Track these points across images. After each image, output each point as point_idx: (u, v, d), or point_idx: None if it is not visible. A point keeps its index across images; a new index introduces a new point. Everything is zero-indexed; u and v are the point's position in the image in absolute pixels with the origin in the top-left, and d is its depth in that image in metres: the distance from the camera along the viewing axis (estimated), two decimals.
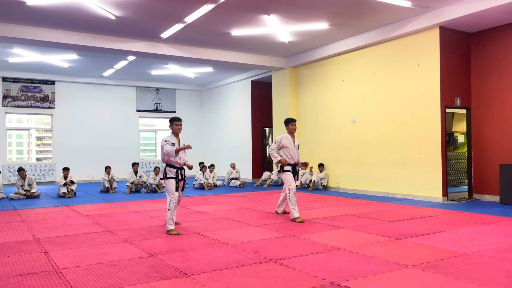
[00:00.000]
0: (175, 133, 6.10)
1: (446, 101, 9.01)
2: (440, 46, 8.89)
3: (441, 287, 3.45)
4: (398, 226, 6.16)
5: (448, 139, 10.64)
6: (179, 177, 6.02)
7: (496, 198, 8.83)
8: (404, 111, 9.68)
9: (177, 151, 5.92)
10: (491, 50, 9.05)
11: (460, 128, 11.95)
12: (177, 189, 5.97)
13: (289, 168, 6.87)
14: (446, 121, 9.26)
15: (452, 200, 9.00)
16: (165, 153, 5.94)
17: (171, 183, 5.92)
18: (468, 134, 9.57)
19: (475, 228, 5.91)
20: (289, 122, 7.02)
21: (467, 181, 9.68)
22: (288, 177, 6.80)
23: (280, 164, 6.89)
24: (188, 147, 5.94)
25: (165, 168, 6.03)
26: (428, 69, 9.13)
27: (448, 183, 9.20)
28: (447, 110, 9.24)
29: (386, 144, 10.13)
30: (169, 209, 5.83)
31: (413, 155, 9.46)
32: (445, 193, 8.93)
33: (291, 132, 7.00)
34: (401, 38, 9.70)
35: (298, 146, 7.08)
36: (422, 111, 9.25)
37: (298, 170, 7.14)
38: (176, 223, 6.23)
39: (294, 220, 6.65)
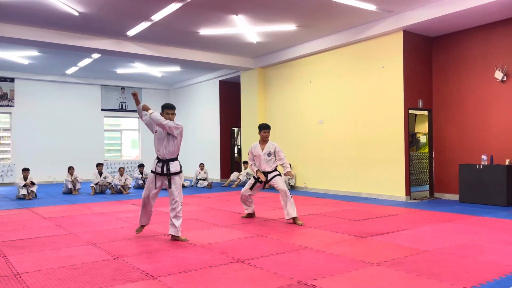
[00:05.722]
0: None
1: (409, 103, 9.28)
2: (404, 49, 9.15)
3: (405, 284, 3.55)
4: (364, 224, 6.29)
5: (411, 140, 10.98)
6: (159, 171, 5.28)
7: (455, 197, 9.17)
8: (370, 112, 9.90)
9: (144, 109, 5.35)
10: (452, 54, 9.39)
11: (422, 129, 12.36)
12: (155, 187, 5.32)
13: (258, 175, 6.68)
14: (409, 122, 9.54)
15: (415, 199, 9.28)
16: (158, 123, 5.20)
17: (148, 178, 5.45)
18: (430, 135, 9.90)
19: (436, 226, 6.11)
20: (261, 129, 6.73)
21: (428, 180, 10.01)
22: (249, 181, 6.88)
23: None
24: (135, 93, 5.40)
25: None
26: (392, 71, 9.38)
27: (411, 182, 9.48)
28: (410, 111, 9.53)
29: (352, 145, 10.33)
30: None
31: (378, 155, 9.69)
32: (408, 192, 9.20)
33: (263, 140, 6.72)
34: (367, 40, 9.91)
35: (270, 153, 6.63)
36: (387, 112, 9.50)
37: (268, 179, 6.63)
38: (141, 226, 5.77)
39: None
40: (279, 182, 6.57)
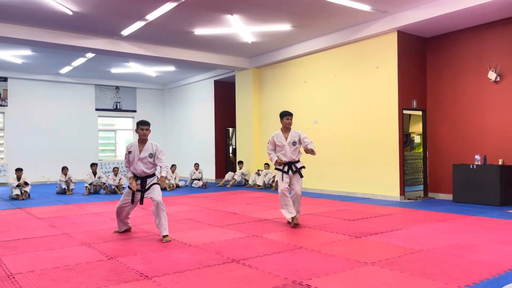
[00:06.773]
0: (140, 139, 5.50)
1: (404, 103, 9.32)
2: (398, 50, 9.19)
3: (399, 283, 3.56)
4: (358, 224, 6.31)
5: (405, 140, 11.03)
6: (138, 188, 5.48)
7: (449, 197, 9.22)
8: (364, 112, 9.93)
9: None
10: (446, 54, 9.44)
11: (416, 129, 12.42)
12: (132, 201, 5.47)
13: (281, 167, 6.29)
14: (404, 122, 9.58)
15: (409, 199, 9.32)
16: None
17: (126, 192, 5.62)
18: (424, 135, 9.95)
19: (430, 226, 6.14)
20: (283, 116, 6.28)
21: (422, 180, 10.06)
22: (278, 176, 6.33)
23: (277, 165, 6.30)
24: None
25: None
26: (386, 71, 9.41)
27: (405, 182, 9.52)
28: (404, 111, 9.56)
29: (347, 145, 10.35)
30: None
31: (372, 155, 9.72)
32: (402, 192, 9.24)
33: (285, 128, 6.31)
34: (361, 41, 9.94)
35: (295, 142, 6.25)
36: (381, 112, 9.53)
37: (295, 169, 6.28)
38: (123, 230, 5.90)
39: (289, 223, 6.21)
40: (299, 183, 6.27)
